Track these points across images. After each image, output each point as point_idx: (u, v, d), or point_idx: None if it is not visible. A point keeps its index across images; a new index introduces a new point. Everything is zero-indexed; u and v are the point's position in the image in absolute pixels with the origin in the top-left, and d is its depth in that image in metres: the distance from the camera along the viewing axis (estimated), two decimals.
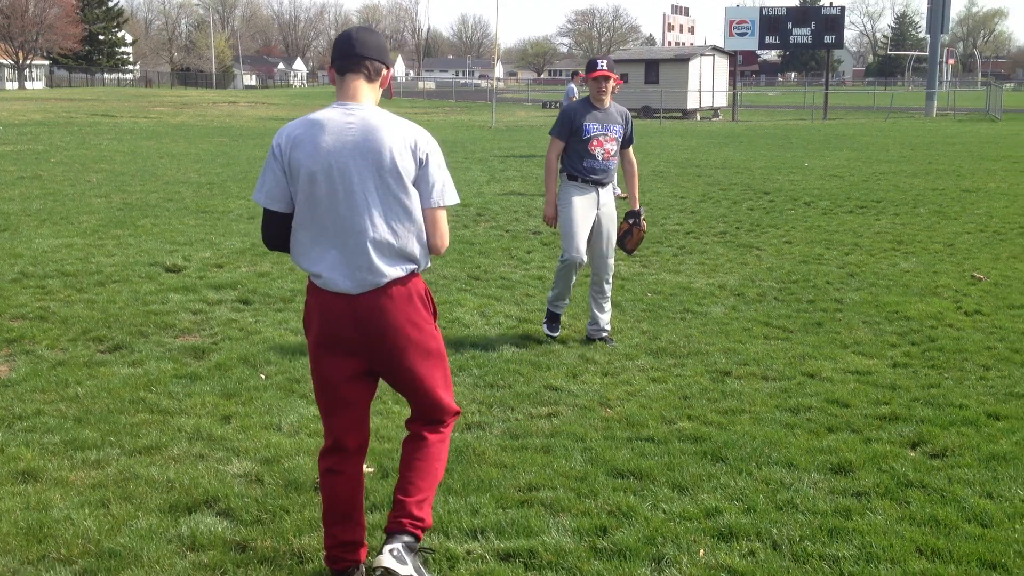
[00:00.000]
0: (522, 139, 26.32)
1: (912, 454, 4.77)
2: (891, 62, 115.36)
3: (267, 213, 3.33)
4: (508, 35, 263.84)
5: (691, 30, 63.30)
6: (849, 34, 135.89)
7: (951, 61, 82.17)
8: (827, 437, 4.98)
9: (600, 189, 6.63)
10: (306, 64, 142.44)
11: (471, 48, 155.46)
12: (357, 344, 3.32)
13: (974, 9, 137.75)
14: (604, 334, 6.79)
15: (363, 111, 3.27)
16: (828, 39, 45.43)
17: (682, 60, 45.79)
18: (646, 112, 44.00)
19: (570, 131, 6.53)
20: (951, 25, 77.95)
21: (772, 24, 45.32)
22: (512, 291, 8.14)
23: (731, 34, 45.79)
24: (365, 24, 4.19)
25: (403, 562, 3.30)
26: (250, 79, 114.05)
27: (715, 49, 48.48)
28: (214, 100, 56.40)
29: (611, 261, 6.79)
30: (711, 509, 4.12)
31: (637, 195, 6.98)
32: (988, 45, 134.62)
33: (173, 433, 4.93)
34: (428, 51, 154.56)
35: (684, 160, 21.10)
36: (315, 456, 4.62)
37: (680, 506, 4.15)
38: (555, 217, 6.61)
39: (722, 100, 48.08)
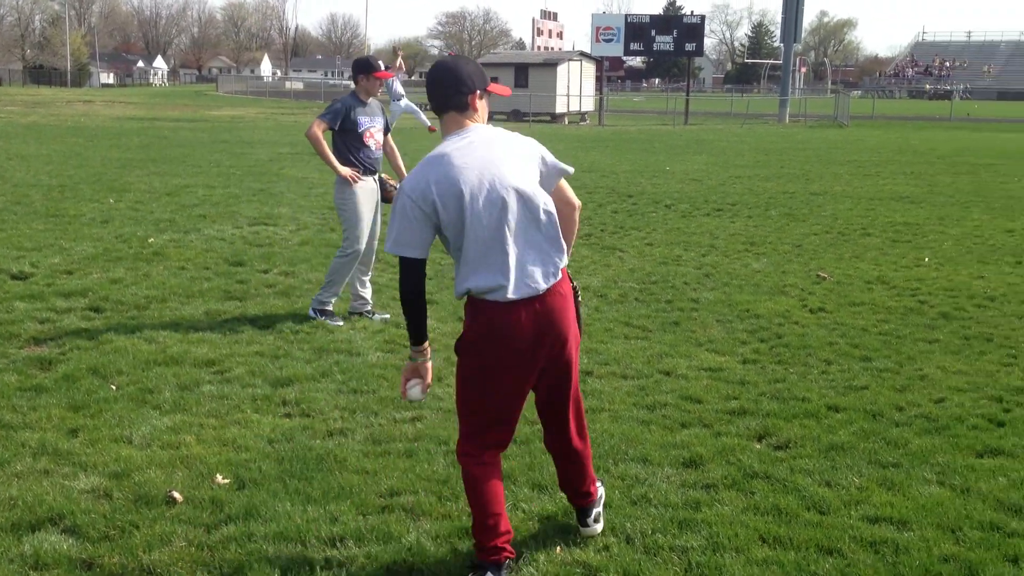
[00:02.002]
0: (395, 140, 26.22)
1: (758, 446, 4.99)
2: (748, 70, 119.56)
3: (412, 263, 3.39)
4: (378, 35, 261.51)
5: (560, 35, 64.14)
6: (709, 42, 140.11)
7: (803, 69, 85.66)
8: (680, 432, 5.16)
9: (375, 176, 7.31)
10: (167, 62, 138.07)
11: (341, 48, 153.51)
12: (539, 350, 3.47)
13: (825, 19, 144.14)
14: (368, 306, 7.50)
15: (474, 133, 3.45)
16: (689, 47, 46.76)
17: (551, 65, 46.33)
18: (516, 115, 44.35)
19: (342, 125, 7.12)
20: (803, 35, 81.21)
21: (636, 31, 46.37)
22: (379, 295, 8.11)
23: (598, 40, 46.65)
24: (444, 57, 4.37)
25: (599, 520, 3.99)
26: (107, 77, 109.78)
27: (583, 55, 49.23)
28: (68, 99, 54.08)
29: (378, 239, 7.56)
30: (568, 507, 4.20)
31: (404, 169, 7.54)
32: (838, 54, 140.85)
33: (16, 448, 4.73)
34: (296, 50, 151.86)
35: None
36: (167, 468, 4.52)
37: (540, 505, 4.23)
38: (351, 174, 7.11)
39: (589, 105, 48.88)
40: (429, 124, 22.31)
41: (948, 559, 3.78)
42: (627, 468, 4.66)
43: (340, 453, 4.76)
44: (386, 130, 7.45)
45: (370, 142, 7.23)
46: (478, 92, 3.49)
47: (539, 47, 58.75)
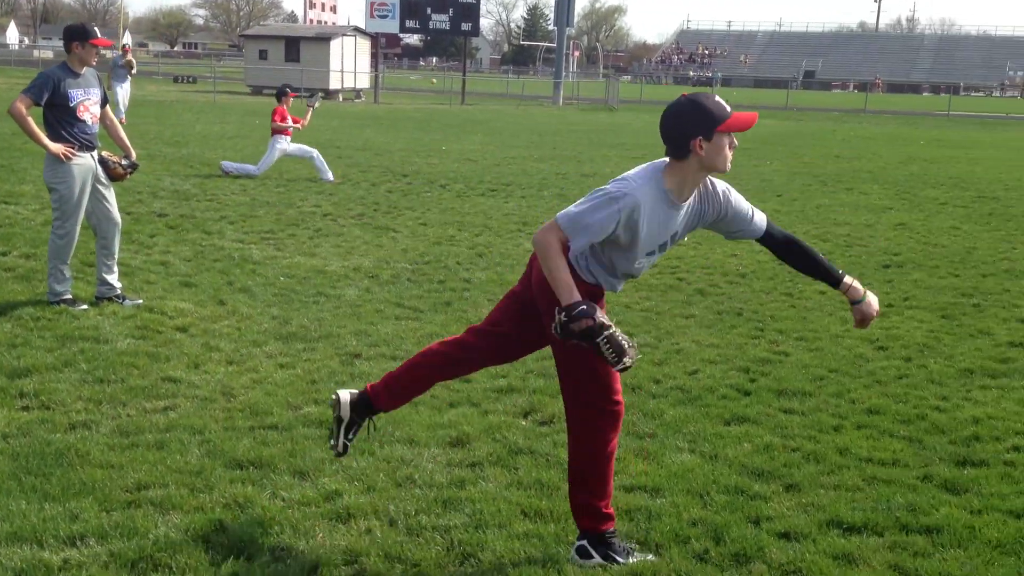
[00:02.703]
0: (150, 115, 24.88)
1: (524, 423, 5.07)
2: (524, 52, 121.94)
3: None
4: (137, 3, 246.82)
5: (333, 9, 63.18)
6: (486, 23, 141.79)
7: (576, 53, 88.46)
8: (448, 412, 5.17)
9: (93, 153, 6.82)
10: None
11: (95, 16, 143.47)
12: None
13: (597, 4, 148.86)
14: (117, 290, 7.03)
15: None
16: (465, 26, 47.11)
17: (324, 39, 45.43)
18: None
19: (50, 99, 6.61)
20: (576, 19, 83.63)
21: (412, 8, 46.18)
22: (131, 278, 7.65)
23: (372, 16, 46.11)
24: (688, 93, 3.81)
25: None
26: None
27: (357, 30, 48.60)
28: None
29: (119, 220, 7.05)
30: (331, 492, 4.13)
31: (128, 143, 7.23)
32: (609, 39, 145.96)
33: None
34: (46, 17, 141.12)
35: (325, 141, 20.94)
36: None
37: (300, 492, 4.12)
38: (63, 150, 6.62)
39: (365, 81, 48.38)
40: (123, 117, 20.70)
41: (696, 523, 3.97)
42: (393, 450, 4.61)
43: (83, 447, 4.44)
44: (104, 102, 6.97)
45: (85, 116, 6.70)
46: (698, 139, 3.42)
47: (312, 20, 57.55)
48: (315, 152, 14.60)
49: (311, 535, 3.77)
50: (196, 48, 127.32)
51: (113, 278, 7.03)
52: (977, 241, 11.16)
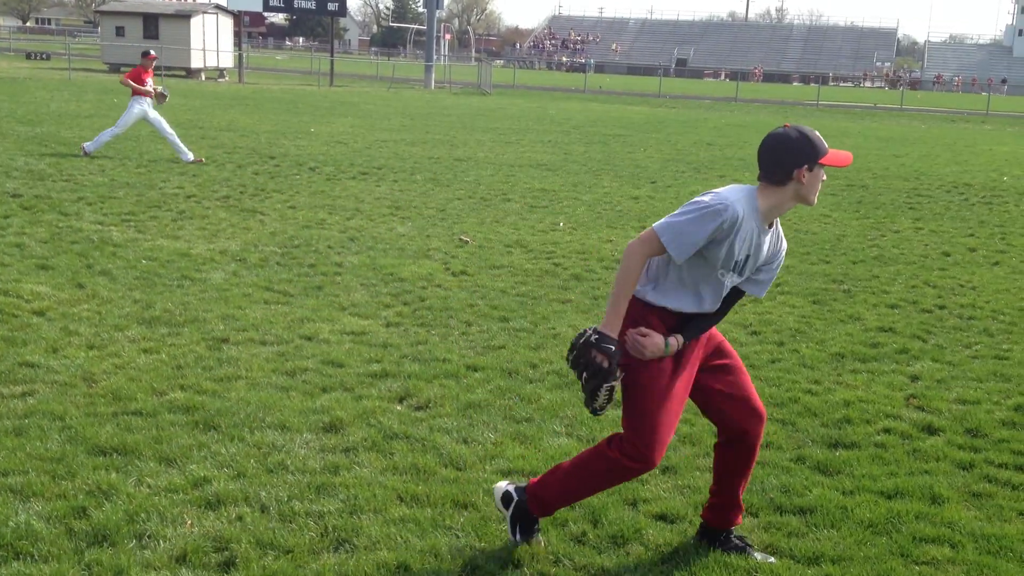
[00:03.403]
0: (1, 92, 23.57)
1: (399, 407, 5.02)
2: (394, 34, 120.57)
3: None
4: None
5: None
6: (354, 3, 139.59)
7: (448, 36, 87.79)
8: (321, 397, 5.08)
9: None
10: None
11: None
12: None
13: None
14: None
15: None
16: (332, 6, 46.29)
17: (184, 16, 43.93)
18: None
19: None
20: (446, 2, 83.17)
21: None
22: None
23: None
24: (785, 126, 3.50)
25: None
26: None
27: (219, 8, 47.10)
28: None
29: None
30: (200, 479, 4.01)
31: None
32: (480, 23, 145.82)
33: None
34: None
35: (187, 121, 20.26)
36: None
37: (167, 479, 3.99)
38: None
39: (228, 61, 46.97)
40: None
41: (574, 506, 3.98)
42: (264, 436, 4.51)
43: None
44: None
45: None
46: (802, 170, 3.42)
47: None
48: (171, 132, 14.08)
49: (179, 522, 3.66)
50: (50, 23, 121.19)
51: None
52: (847, 228, 11.58)
